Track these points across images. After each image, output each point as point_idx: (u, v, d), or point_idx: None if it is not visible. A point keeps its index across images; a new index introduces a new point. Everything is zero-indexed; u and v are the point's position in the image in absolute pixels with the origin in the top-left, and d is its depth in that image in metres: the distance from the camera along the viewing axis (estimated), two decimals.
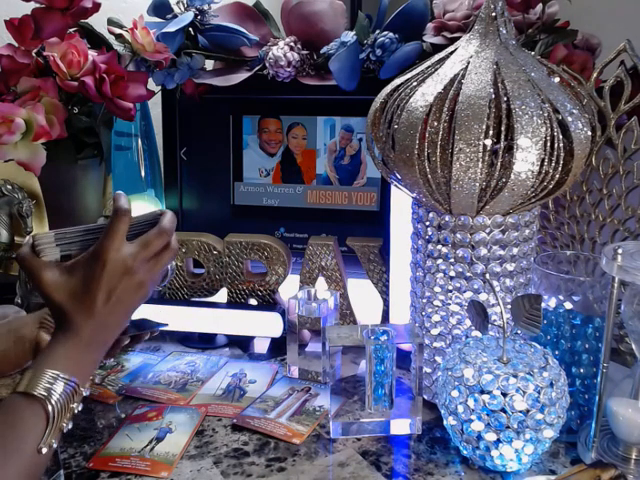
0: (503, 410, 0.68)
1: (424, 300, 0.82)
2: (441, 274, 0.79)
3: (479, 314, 0.73)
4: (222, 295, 1.06)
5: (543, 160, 0.71)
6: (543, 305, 0.73)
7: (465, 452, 0.74)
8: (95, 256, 0.64)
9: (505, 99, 0.71)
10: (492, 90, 0.71)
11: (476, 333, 0.78)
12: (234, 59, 1.09)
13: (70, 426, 0.61)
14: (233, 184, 1.16)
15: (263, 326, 1.01)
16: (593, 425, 0.72)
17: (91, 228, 0.68)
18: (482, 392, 0.69)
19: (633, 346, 0.72)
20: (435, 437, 0.79)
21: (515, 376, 0.68)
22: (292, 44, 1.03)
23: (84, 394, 0.62)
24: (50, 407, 0.59)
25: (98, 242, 0.65)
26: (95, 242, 0.66)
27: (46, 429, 0.59)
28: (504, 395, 0.68)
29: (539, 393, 0.68)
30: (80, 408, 0.62)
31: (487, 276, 0.75)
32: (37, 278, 0.64)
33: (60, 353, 0.62)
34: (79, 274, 0.64)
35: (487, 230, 0.76)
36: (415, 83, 0.77)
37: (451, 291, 0.79)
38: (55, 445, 0.60)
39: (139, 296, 0.68)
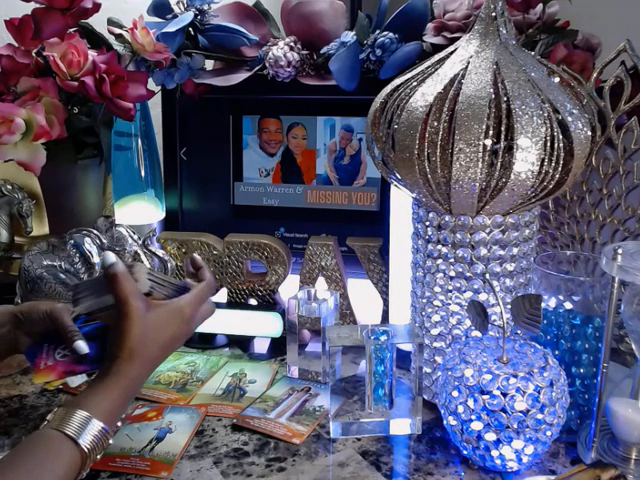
0: (503, 410, 0.68)
1: (424, 300, 0.82)
2: (441, 274, 0.79)
3: (479, 314, 0.73)
4: (222, 295, 1.06)
5: (543, 160, 0.71)
6: (543, 305, 0.73)
7: (465, 452, 0.74)
8: (184, 314, 0.68)
9: (505, 99, 0.71)
10: (492, 90, 0.71)
11: (476, 333, 0.78)
12: (234, 59, 1.09)
13: (84, 475, 0.61)
14: (233, 184, 1.16)
15: (263, 326, 1.01)
16: (593, 425, 0.72)
17: (176, 283, 0.72)
18: (482, 392, 0.69)
19: (633, 346, 0.72)
20: (435, 437, 0.79)
21: (515, 376, 0.68)
22: (292, 44, 1.03)
23: (110, 442, 0.62)
24: (86, 450, 0.59)
25: (188, 300, 0.69)
26: (174, 293, 0.70)
27: (80, 470, 0.59)
28: (504, 395, 0.68)
29: (539, 393, 0.68)
30: (99, 458, 0.62)
31: (487, 276, 0.75)
32: (126, 302, 0.64)
33: (100, 396, 0.62)
34: (161, 320, 0.66)
35: (487, 230, 0.76)
36: (415, 83, 0.77)
37: (451, 291, 0.79)
38: None
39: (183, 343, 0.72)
